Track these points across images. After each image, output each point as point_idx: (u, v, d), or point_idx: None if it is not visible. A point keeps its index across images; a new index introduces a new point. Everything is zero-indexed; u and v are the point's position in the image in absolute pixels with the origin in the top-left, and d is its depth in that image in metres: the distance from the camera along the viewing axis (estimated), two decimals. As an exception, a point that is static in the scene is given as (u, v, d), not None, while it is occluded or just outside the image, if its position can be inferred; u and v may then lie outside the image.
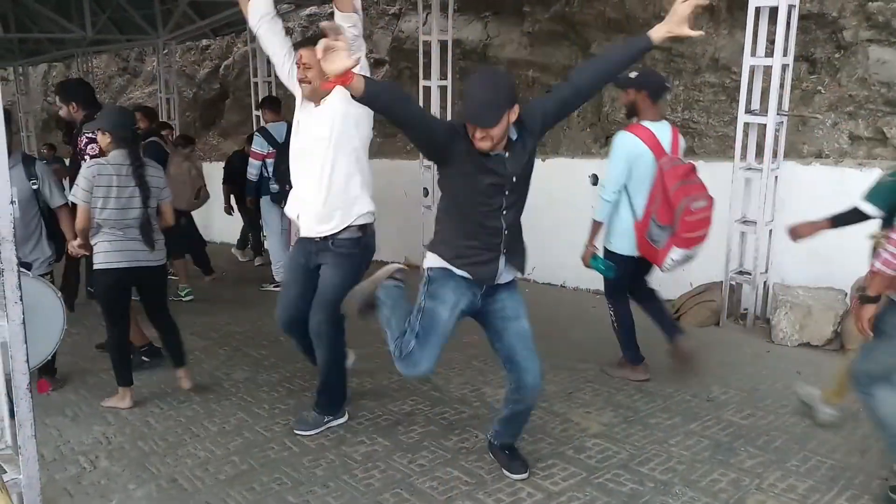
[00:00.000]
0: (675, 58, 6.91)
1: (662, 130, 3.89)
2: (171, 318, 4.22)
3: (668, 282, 6.00)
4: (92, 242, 3.89)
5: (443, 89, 7.29)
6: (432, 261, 2.88)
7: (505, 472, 3.16)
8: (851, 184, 5.17)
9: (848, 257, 5.07)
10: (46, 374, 4.26)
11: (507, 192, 2.73)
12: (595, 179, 6.53)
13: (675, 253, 3.86)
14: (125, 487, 3.13)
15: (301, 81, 3.35)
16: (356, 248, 3.40)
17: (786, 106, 5.29)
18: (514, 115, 2.60)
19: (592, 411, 3.84)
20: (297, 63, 3.35)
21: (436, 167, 2.87)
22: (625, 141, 3.88)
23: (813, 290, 5.11)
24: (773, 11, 4.98)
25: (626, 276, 4.12)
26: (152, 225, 3.96)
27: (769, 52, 5.10)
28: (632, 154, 3.84)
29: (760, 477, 3.10)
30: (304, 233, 3.45)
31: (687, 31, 2.56)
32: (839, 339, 4.91)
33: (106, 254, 3.85)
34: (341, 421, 3.66)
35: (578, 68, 2.87)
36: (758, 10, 5.04)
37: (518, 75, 8.46)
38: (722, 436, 3.52)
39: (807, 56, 6.09)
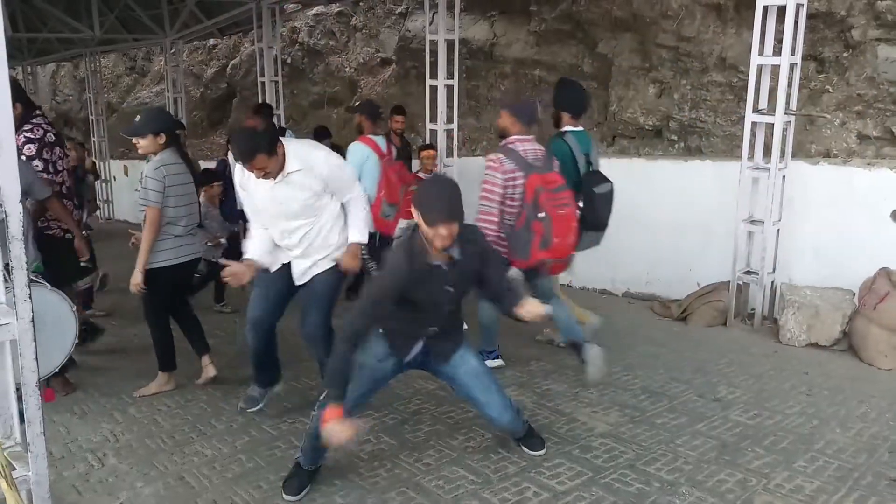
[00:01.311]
0: (682, 57, 6.89)
1: (381, 141, 5.48)
2: (192, 309, 4.44)
3: (675, 281, 6.01)
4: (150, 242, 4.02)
5: (449, 88, 7.30)
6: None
7: (525, 450, 3.33)
8: (859, 183, 5.16)
9: (855, 257, 5.08)
10: (54, 379, 4.26)
11: (446, 303, 2.94)
12: (602, 179, 6.53)
13: (402, 223, 5.48)
14: (133, 485, 3.15)
15: (266, 177, 3.34)
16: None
17: (793, 105, 5.27)
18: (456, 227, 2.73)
19: (599, 411, 3.84)
20: (251, 170, 3.29)
21: None
22: (357, 148, 5.35)
23: (820, 290, 5.09)
24: (781, 10, 4.96)
25: (379, 245, 5.25)
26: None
27: (777, 52, 5.08)
28: (363, 156, 5.28)
29: (767, 477, 3.09)
30: (297, 279, 3.60)
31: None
32: (847, 339, 4.90)
33: (176, 249, 4.02)
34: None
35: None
36: (765, 8, 5.02)
37: (525, 75, 8.46)
38: (728, 436, 3.51)
39: (815, 55, 6.07)
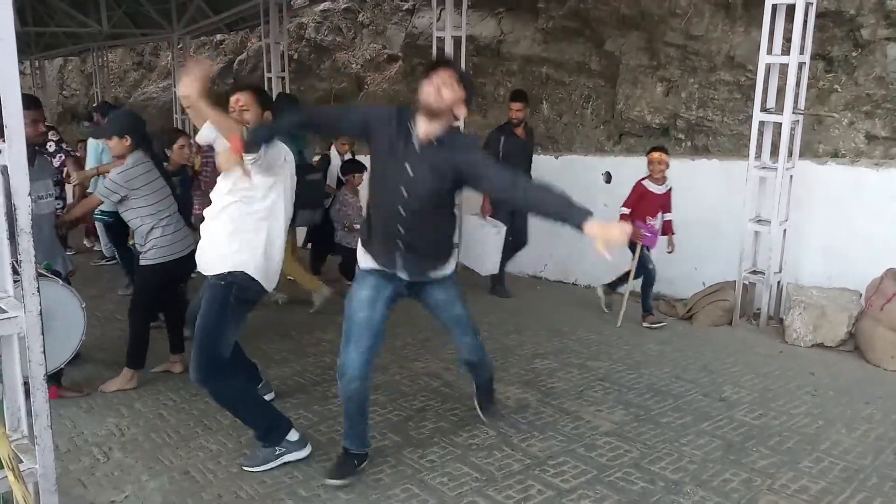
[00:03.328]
0: (689, 55, 6.86)
1: None
2: (182, 307, 4.48)
3: (681, 281, 6.00)
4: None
5: (456, 85, 7.27)
6: (359, 255, 3.09)
7: (478, 409, 3.65)
8: (867, 183, 5.14)
9: (862, 258, 5.06)
10: (56, 379, 4.24)
11: (406, 192, 2.77)
12: (608, 177, 6.51)
13: None
14: (138, 479, 3.16)
15: (241, 114, 3.21)
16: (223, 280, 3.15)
17: (802, 104, 5.25)
18: (461, 106, 2.72)
19: (603, 409, 3.84)
20: (232, 106, 3.22)
21: None
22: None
23: (827, 290, 5.08)
24: (790, 9, 4.94)
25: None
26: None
27: (785, 50, 5.06)
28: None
29: (772, 477, 3.09)
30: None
31: (602, 252, 2.32)
32: (853, 340, 4.88)
33: (171, 246, 4.08)
34: (301, 455, 3.25)
35: (524, 188, 2.69)
36: (774, 7, 5.00)
37: (532, 72, 8.44)
38: (734, 436, 3.50)
39: (823, 54, 6.03)
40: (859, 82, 5.88)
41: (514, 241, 6.21)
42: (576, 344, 4.95)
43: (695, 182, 5.99)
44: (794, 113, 5.10)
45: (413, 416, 3.77)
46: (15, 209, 1.79)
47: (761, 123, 5.26)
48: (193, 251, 4.08)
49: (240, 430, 3.62)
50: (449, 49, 7.16)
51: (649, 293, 5.45)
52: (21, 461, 1.88)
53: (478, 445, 3.41)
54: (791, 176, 5.28)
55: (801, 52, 5.01)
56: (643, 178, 5.33)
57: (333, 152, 6.80)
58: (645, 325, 5.37)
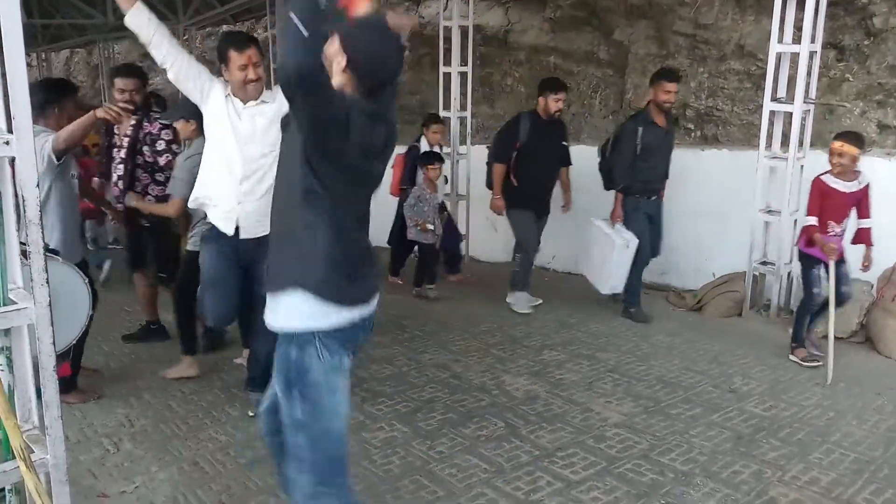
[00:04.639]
0: (699, 44, 6.81)
1: None
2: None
3: (690, 272, 5.97)
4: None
5: (463, 75, 7.25)
6: None
7: None
8: (879, 173, 5.08)
9: (874, 249, 5.01)
10: (69, 359, 4.23)
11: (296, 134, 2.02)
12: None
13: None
14: (148, 469, 3.17)
15: (251, 82, 3.31)
16: None
17: (813, 94, 5.20)
18: (340, 60, 1.99)
19: (613, 401, 3.83)
20: (245, 64, 3.28)
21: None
22: None
23: (838, 281, 5.03)
24: (802, -3, 4.89)
25: None
26: None
27: (796, 39, 5.01)
28: None
29: (783, 469, 3.07)
30: (242, 234, 3.41)
31: None
32: (864, 331, 4.85)
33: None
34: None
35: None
36: (786, -5, 4.95)
37: (540, 62, 8.39)
38: (744, 427, 3.49)
39: (835, 43, 5.97)
40: (871, 71, 5.82)
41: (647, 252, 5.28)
42: (584, 335, 4.93)
43: (704, 172, 5.95)
44: (804, 102, 5.05)
45: (422, 408, 3.76)
46: (24, 200, 1.78)
47: (772, 113, 5.21)
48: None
49: (249, 421, 3.62)
50: (456, 39, 7.13)
51: (814, 319, 4.40)
52: (32, 451, 1.88)
53: (486, 437, 3.41)
54: (802, 166, 5.23)
55: (813, 41, 4.95)
56: (823, 173, 4.25)
57: (423, 142, 6.29)
58: (792, 357, 4.41)
